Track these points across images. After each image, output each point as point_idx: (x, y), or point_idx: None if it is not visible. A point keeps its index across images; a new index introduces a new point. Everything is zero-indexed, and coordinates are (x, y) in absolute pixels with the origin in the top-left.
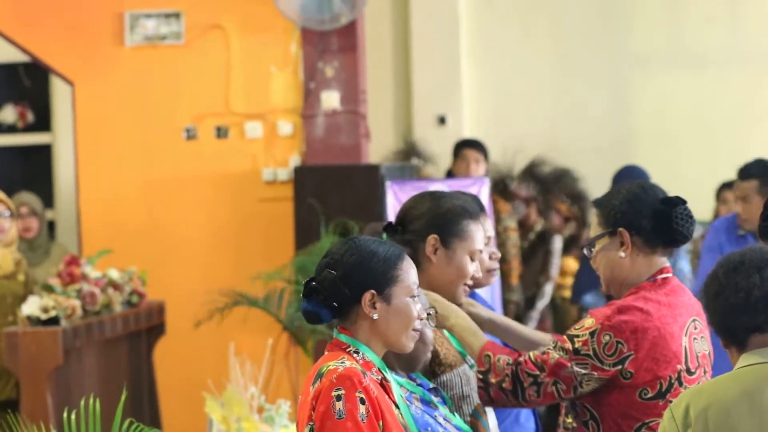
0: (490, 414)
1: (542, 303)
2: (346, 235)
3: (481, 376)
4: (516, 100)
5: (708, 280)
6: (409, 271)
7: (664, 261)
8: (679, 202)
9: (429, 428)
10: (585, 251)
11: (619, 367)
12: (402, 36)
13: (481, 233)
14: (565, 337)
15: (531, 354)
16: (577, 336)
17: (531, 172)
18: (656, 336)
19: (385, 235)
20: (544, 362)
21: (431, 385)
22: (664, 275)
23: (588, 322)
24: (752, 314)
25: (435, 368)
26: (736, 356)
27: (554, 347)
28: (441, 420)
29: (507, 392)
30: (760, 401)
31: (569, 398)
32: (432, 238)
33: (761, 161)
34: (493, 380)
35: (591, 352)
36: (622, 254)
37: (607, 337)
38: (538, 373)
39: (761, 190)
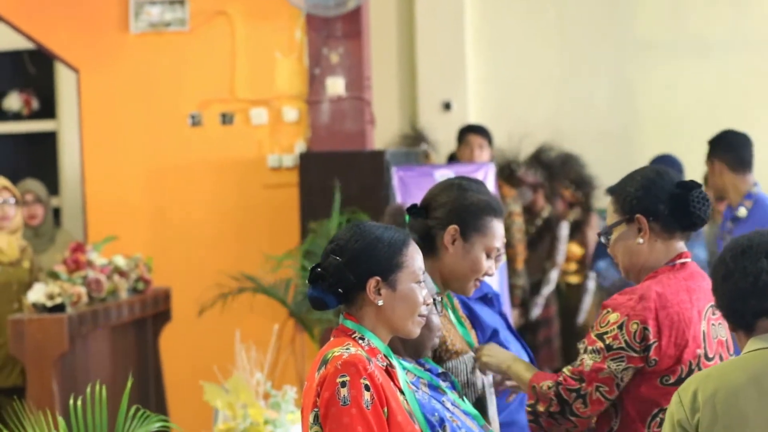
0: (491, 402)
1: (548, 289)
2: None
3: (530, 409)
4: (521, 86)
5: (716, 263)
6: (414, 257)
7: (682, 246)
8: (695, 185)
9: (436, 413)
10: (602, 239)
11: (646, 354)
12: (407, 22)
13: (501, 232)
14: (593, 337)
15: (567, 369)
16: (606, 333)
17: (538, 159)
18: (677, 321)
19: (407, 217)
20: (581, 372)
21: (440, 370)
22: (682, 260)
23: (612, 317)
24: (760, 298)
25: (441, 354)
26: (743, 340)
27: (585, 352)
28: (449, 405)
29: (556, 416)
30: None
31: (615, 397)
32: (452, 228)
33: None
34: (541, 408)
35: (624, 344)
36: (641, 240)
37: (635, 326)
38: (578, 386)
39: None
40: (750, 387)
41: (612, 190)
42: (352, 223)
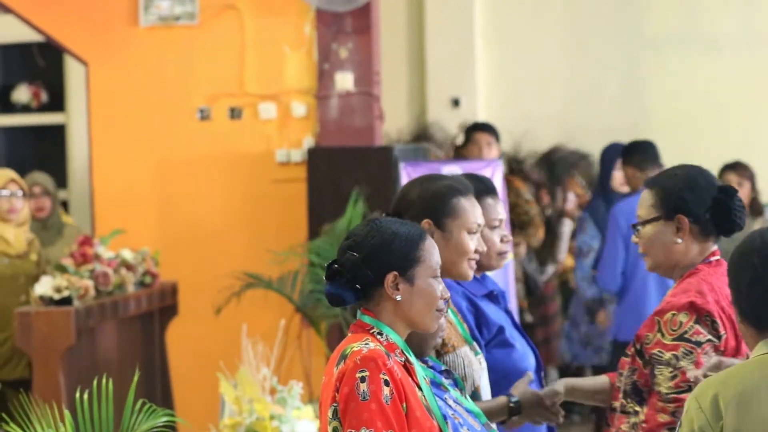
0: (487, 396)
1: (541, 279)
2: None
3: None
4: (530, 83)
5: (740, 263)
6: (431, 252)
7: (713, 246)
8: (734, 191)
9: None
10: (633, 230)
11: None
12: (416, 18)
13: (475, 209)
14: (669, 342)
15: (665, 388)
16: (686, 332)
17: (546, 157)
18: (730, 314)
19: None
20: (686, 382)
21: (443, 367)
22: (716, 257)
23: (681, 317)
24: None
25: (438, 349)
26: (752, 340)
27: (674, 364)
28: (451, 402)
29: None
30: None
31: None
32: (425, 223)
33: None
34: None
35: (709, 335)
36: (679, 240)
37: (708, 319)
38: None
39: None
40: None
41: (652, 184)
42: (368, 219)
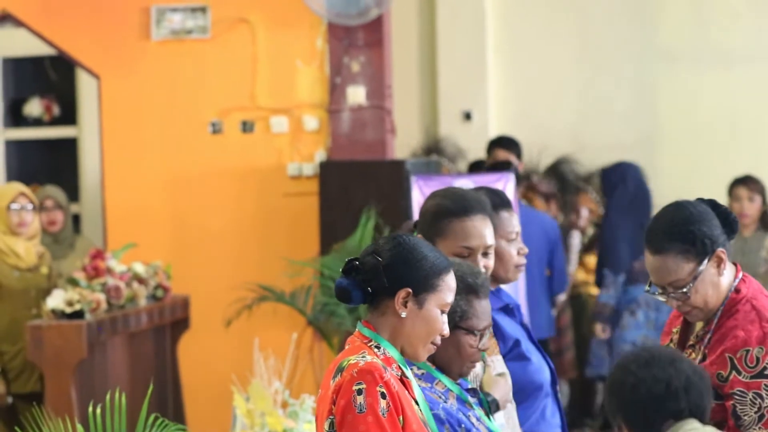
0: (498, 414)
1: (561, 296)
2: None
3: None
4: (542, 96)
5: (619, 375)
6: (450, 286)
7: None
8: (713, 201)
9: (462, 425)
10: (676, 295)
11: None
12: (428, 31)
13: (466, 231)
14: (750, 380)
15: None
16: (765, 368)
17: (556, 169)
18: None
19: (415, 232)
20: None
21: (470, 385)
22: (740, 272)
23: (756, 353)
24: (675, 401)
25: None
26: None
27: (758, 404)
28: (474, 420)
29: None
30: None
31: None
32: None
33: None
34: None
35: None
36: (723, 273)
37: None
38: None
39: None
40: None
41: (663, 247)
42: (397, 234)
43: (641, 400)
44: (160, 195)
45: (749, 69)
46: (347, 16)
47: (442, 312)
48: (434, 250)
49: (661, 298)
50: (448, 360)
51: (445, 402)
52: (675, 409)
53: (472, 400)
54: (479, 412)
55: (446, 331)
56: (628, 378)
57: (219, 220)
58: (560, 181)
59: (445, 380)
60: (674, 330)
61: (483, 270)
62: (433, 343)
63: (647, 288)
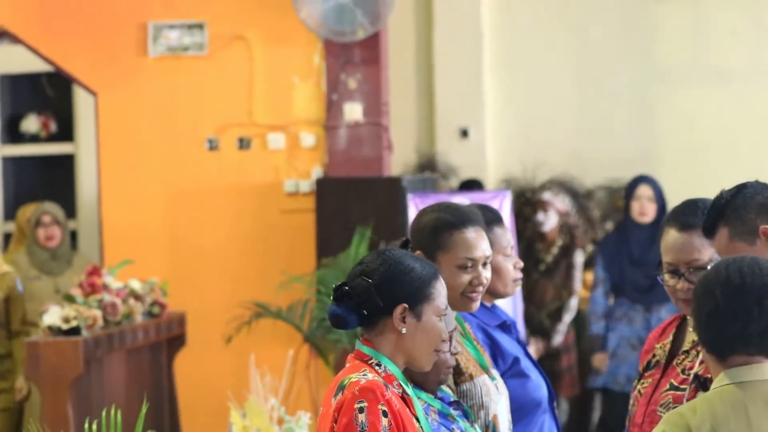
0: (504, 427)
1: (569, 316)
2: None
3: None
4: (539, 113)
5: (702, 293)
6: (441, 292)
7: None
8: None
9: None
10: (692, 277)
11: None
12: (425, 48)
13: (468, 243)
14: None
15: None
16: None
17: (566, 187)
18: None
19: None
20: None
21: (452, 398)
22: None
23: None
24: (745, 344)
25: (455, 377)
26: (715, 369)
27: None
28: None
29: None
30: (750, 418)
31: None
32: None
33: None
34: None
35: None
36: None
37: None
38: None
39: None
40: (739, 420)
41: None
42: (380, 250)
43: (714, 330)
44: (156, 211)
45: (747, 86)
46: (342, 34)
47: (439, 318)
48: (418, 260)
49: (670, 282)
50: (424, 373)
51: (426, 418)
52: (741, 351)
53: (455, 412)
54: (464, 424)
55: (446, 335)
56: (708, 302)
57: (215, 236)
58: (574, 198)
59: (424, 396)
60: (658, 346)
61: (485, 281)
62: (437, 350)
63: (656, 272)
